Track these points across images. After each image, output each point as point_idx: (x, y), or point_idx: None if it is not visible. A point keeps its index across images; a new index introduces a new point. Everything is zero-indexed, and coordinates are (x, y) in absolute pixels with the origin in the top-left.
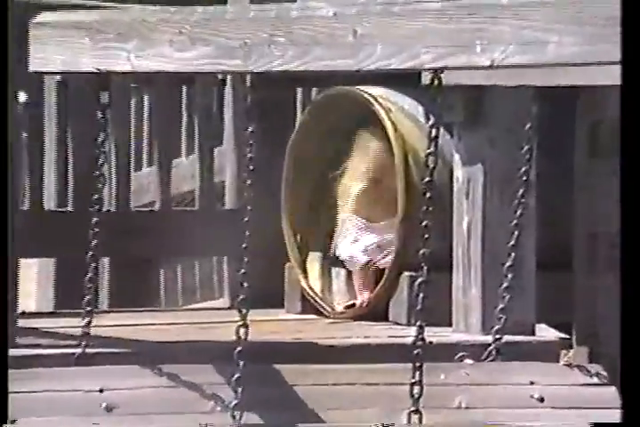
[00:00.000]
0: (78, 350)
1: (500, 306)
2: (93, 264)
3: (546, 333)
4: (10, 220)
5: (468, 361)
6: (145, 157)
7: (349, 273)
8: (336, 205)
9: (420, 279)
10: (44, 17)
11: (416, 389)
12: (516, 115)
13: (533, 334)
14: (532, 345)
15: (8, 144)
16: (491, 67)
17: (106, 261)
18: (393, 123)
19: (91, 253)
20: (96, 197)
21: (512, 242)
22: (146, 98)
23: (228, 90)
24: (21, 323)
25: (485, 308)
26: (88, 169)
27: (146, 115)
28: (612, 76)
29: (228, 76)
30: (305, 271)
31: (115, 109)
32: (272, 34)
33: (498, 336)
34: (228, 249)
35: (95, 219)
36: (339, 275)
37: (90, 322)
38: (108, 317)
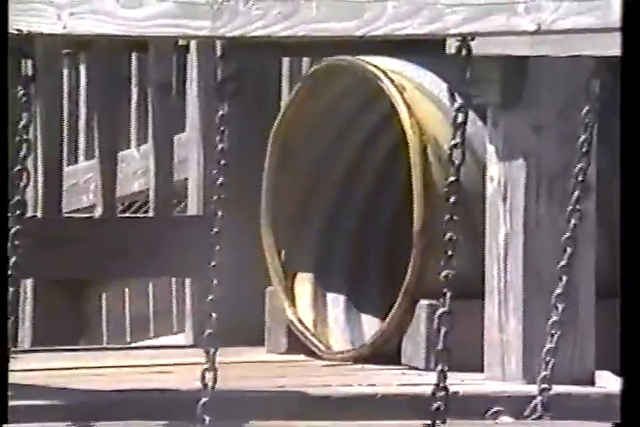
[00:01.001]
0: None
1: (548, 346)
2: (12, 288)
3: (609, 382)
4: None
5: (506, 419)
6: (82, 147)
7: (352, 297)
8: (333, 207)
9: (441, 309)
10: None
11: None
12: (569, 95)
13: (593, 384)
14: (591, 399)
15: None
16: (537, 32)
17: (28, 283)
18: (408, 105)
19: (9, 273)
20: (16, 199)
21: (564, 262)
22: (83, 69)
23: (191, 60)
24: None
25: (528, 348)
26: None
27: (83, 92)
28: None
29: (192, 43)
30: (292, 298)
31: (41, 84)
32: None
33: (545, 386)
34: (191, 269)
35: (15, 228)
36: (337, 302)
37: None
38: (31, 358)
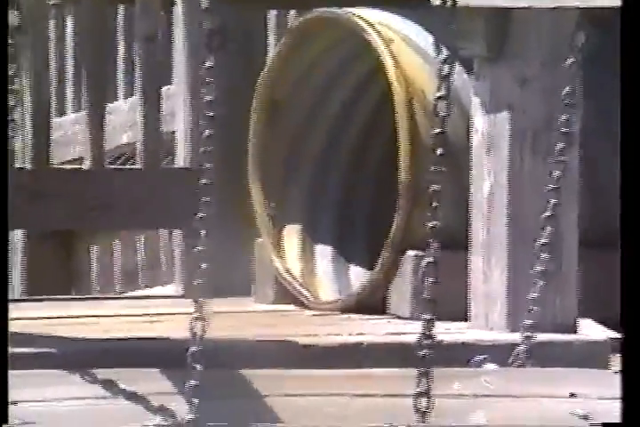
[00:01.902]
0: None
1: (532, 295)
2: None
3: (591, 330)
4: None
5: (490, 366)
6: (69, 98)
7: (339, 249)
8: (321, 160)
9: (427, 260)
10: None
11: (423, 401)
12: (554, 46)
13: (575, 332)
14: (574, 346)
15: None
16: None
17: (18, 234)
18: (394, 57)
19: None
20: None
21: (548, 212)
22: (69, 20)
23: (177, 11)
24: None
25: (512, 297)
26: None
27: (69, 43)
28: None
29: None
30: (280, 249)
31: (28, 35)
32: None
33: (528, 334)
34: (179, 220)
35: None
36: (324, 253)
37: None
38: (22, 307)
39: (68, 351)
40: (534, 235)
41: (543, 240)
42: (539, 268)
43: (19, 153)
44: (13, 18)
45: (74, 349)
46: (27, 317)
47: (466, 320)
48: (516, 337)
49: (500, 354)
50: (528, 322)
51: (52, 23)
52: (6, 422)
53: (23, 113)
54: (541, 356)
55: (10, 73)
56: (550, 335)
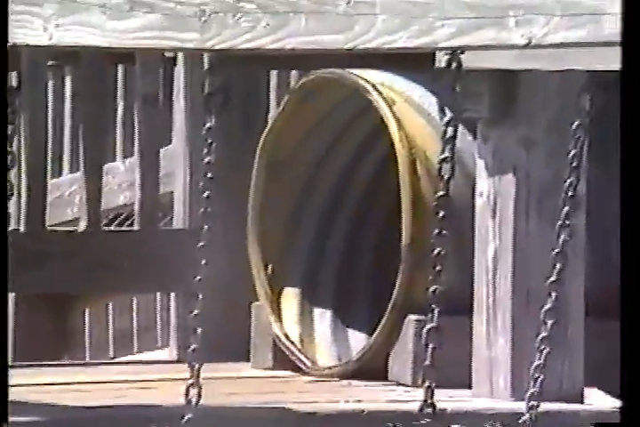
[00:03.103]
0: None
1: (537, 363)
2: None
3: (598, 400)
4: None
5: None
6: (66, 158)
7: (338, 313)
8: (321, 222)
9: (429, 325)
10: None
11: None
12: (559, 109)
13: (582, 401)
14: (580, 417)
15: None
16: (528, 46)
17: (10, 298)
18: (397, 118)
19: None
20: None
21: (553, 277)
22: (68, 81)
23: (178, 72)
24: None
25: (516, 365)
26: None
27: (68, 103)
28: None
29: (180, 55)
30: (278, 313)
31: (26, 95)
32: None
33: (533, 403)
34: (175, 283)
35: None
36: (324, 317)
37: None
38: (13, 373)
39: (58, 419)
40: (539, 300)
41: (549, 305)
42: (544, 334)
43: (14, 214)
44: (11, 79)
45: (65, 416)
46: (18, 384)
47: (469, 387)
48: (521, 406)
49: (505, 423)
50: (533, 390)
51: (50, 84)
52: (6, 421)
53: (19, 174)
54: (547, 426)
55: (7, 133)
56: (556, 404)
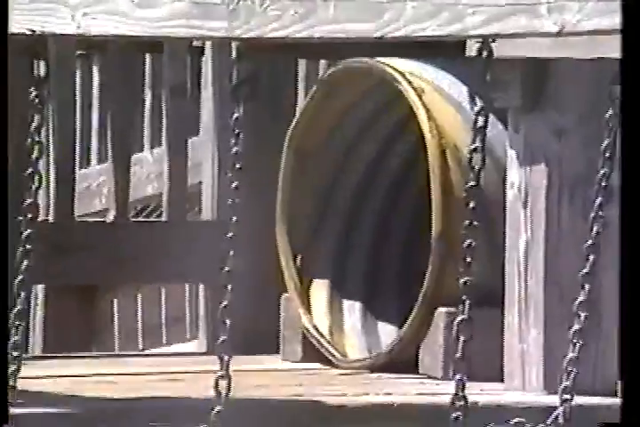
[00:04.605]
0: None
1: (570, 356)
2: (23, 294)
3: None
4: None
5: None
6: (94, 149)
7: (368, 305)
8: (350, 212)
9: (460, 317)
10: None
11: None
12: (592, 98)
13: (616, 395)
14: (613, 410)
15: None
16: (560, 33)
17: (39, 289)
18: (427, 108)
19: (19, 278)
20: (28, 202)
21: (586, 269)
22: (96, 70)
23: (206, 61)
24: None
25: (549, 357)
26: (17, 165)
27: (96, 93)
28: None
29: (207, 44)
30: (308, 305)
31: (54, 85)
32: None
33: (566, 397)
34: (204, 274)
35: (26, 232)
36: (353, 309)
37: (17, 371)
38: (42, 364)
39: (86, 411)
40: (572, 292)
41: (581, 298)
42: (577, 327)
43: (42, 205)
44: (39, 68)
45: (92, 408)
46: (47, 375)
47: (501, 381)
48: (554, 399)
49: (537, 417)
50: (566, 384)
51: (77, 73)
52: (6, 422)
53: (47, 164)
54: (580, 420)
55: (35, 124)
56: (590, 398)
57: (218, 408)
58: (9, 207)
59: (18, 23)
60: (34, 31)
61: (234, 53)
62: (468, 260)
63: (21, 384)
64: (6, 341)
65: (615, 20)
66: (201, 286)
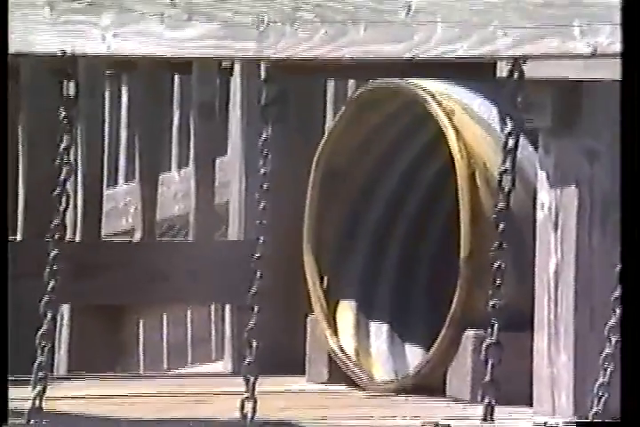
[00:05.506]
0: None
1: (601, 380)
2: (49, 313)
3: None
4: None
5: None
6: (122, 169)
7: (395, 327)
8: (378, 234)
9: (488, 340)
10: None
11: None
12: None
13: None
14: None
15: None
16: (593, 55)
17: (65, 309)
18: (456, 129)
19: (46, 298)
20: (55, 222)
21: (618, 292)
22: (125, 90)
23: (235, 82)
24: None
25: (579, 382)
26: (45, 185)
27: (124, 113)
28: None
29: (236, 65)
30: (334, 326)
31: (83, 105)
32: (296, 7)
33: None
34: (231, 295)
35: (53, 252)
36: (380, 331)
37: (42, 392)
38: (67, 385)
39: None
40: (603, 316)
41: (612, 321)
42: (608, 351)
43: (70, 225)
44: (69, 89)
45: None
46: (71, 396)
47: (530, 405)
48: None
49: None
50: (597, 409)
51: (106, 93)
52: (6, 422)
53: (75, 184)
54: None
55: (64, 145)
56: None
57: None
58: (36, 227)
59: (49, 44)
60: (65, 52)
61: (262, 74)
62: (497, 282)
63: (47, 405)
64: (6, 341)
65: None
66: (227, 307)
